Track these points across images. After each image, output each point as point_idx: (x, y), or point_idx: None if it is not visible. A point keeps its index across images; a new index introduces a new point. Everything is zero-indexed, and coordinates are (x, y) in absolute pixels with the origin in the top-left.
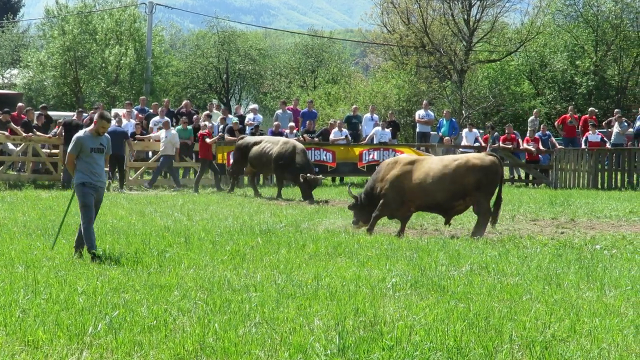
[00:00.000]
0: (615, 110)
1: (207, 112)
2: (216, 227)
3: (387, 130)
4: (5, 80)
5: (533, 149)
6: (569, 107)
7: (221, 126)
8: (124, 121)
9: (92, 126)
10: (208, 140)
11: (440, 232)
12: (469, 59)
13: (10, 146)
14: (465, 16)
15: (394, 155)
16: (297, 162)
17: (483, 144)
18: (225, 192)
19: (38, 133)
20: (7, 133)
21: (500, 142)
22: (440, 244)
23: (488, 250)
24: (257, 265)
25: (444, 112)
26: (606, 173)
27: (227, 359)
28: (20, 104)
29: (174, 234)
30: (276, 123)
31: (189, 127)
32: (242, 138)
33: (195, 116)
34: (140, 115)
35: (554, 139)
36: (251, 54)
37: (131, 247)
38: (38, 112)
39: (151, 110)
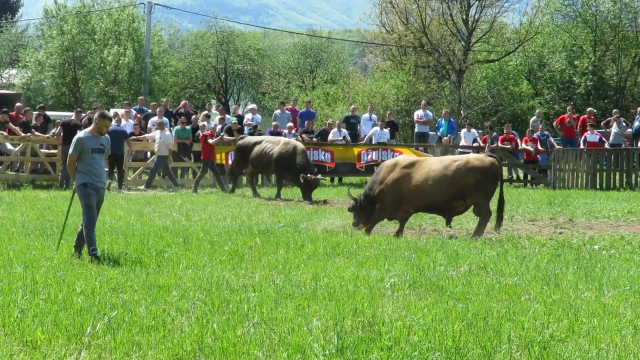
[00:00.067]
0: (614, 110)
1: (206, 112)
2: (215, 227)
3: (386, 131)
4: (4, 80)
5: (531, 149)
6: (568, 107)
7: (219, 126)
8: (122, 121)
9: (92, 126)
10: (210, 141)
11: (439, 233)
12: (467, 59)
13: (9, 146)
14: (464, 16)
15: (393, 155)
16: (298, 163)
17: (482, 144)
18: (226, 193)
19: (36, 133)
20: (5, 133)
21: (499, 142)
22: (439, 244)
23: (486, 251)
24: (256, 265)
25: (443, 112)
26: (604, 173)
27: (226, 359)
28: (18, 104)
29: (172, 234)
30: (275, 123)
31: (188, 127)
32: (242, 138)
33: (193, 116)
34: (138, 115)
35: (552, 139)
36: (250, 54)
37: (129, 247)
38: (36, 112)
39: (150, 110)
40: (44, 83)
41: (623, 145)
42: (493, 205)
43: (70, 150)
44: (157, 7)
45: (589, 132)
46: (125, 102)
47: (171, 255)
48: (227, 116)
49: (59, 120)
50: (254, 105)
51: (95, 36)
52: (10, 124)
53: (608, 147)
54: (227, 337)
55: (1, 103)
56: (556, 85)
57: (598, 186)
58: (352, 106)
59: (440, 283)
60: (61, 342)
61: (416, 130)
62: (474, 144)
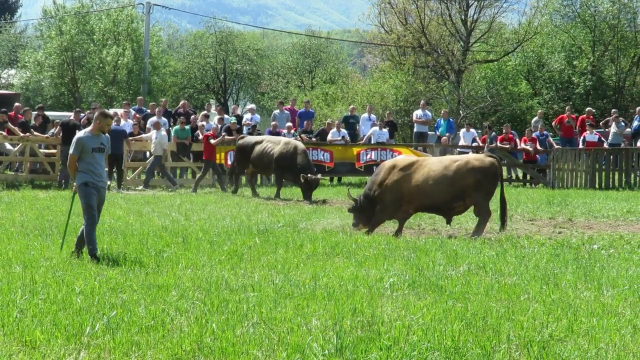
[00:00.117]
0: (613, 110)
1: (205, 112)
2: (214, 227)
3: (385, 130)
4: (3, 81)
5: (531, 149)
6: (567, 107)
7: (218, 126)
8: (122, 121)
9: (92, 126)
10: (212, 141)
11: (438, 232)
12: (466, 59)
13: (8, 146)
14: (463, 16)
15: (392, 155)
16: (299, 163)
17: (481, 144)
18: (226, 193)
19: (35, 133)
20: (4, 133)
21: (498, 142)
22: (438, 243)
23: (486, 250)
24: (255, 265)
25: (442, 112)
26: (604, 173)
27: (225, 359)
28: (17, 104)
29: (171, 234)
30: (273, 123)
31: (187, 127)
32: (242, 138)
33: (192, 116)
34: (137, 116)
35: (551, 139)
36: (249, 54)
37: (129, 247)
38: (35, 112)
39: (149, 111)
40: (42, 83)
41: (622, 145)
42: (494, 205)
43: (71, 150)
44: (156, 7)
45: (588, 132)
46: (124, 102)
47: (170, 255)
48: (226, 116)
49: (57, 121)
50: (252, 106)
51: (94, 36)
52: (9, 124)
53: (607, 146)
54: (226, 337)
55: (0, 103)
56: (555, 85)
57: (597, 186)
58: (351, 106)
59: (439, 283)
60: (60, 342)
61: (415, 130)
62: (473, 144)
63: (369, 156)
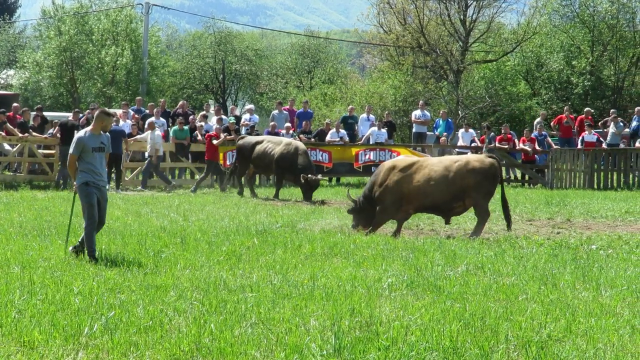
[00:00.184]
0: (611, 110)
1: (204, 112)
2: (212, 227)
3: (384, 131)
4: (2, 81)
5: (529, 149)
6: (565, 107)
7: (217, 126)
8: (120, 122)
9: (92, 125)
10: (215, 141)
11: (436, 233)
12: (465, 59)
13: (6, 147)
14: (462, 16)
15: (390, 156)
16: (300, 163)
17: (479, 144)
18: (226, 193)
19: (34, 133)
20: (3, 133)
21: (497, 142)
22: (436, 244)
23: (484, 251)
24: (253, 265)
25: (440, 112)
26: (602, 173)
27: (223, 359)
28: (16, 105)
29: (170, 235)
30: (272, 123)
31: (185, 127)
32: (242, 138)
33: (191, 117)
34: (136, 116)
35: (550, 139)
36: (247, 55)
37: (127, 247)
38: (34, 113)
39: (147, 111)
40: (41, 83)
41: (620, 145)
42: (492, 206)
43: (71, 150)
44: (155, 7)
45: (586, 132)
46: (123, 102)
47: (169, 255)
48: (224, 117)
49: (56, 121)
50: (251, 106)
51: (93, 37)
52: (8, 124)
53: (605, 147)
54: (225, 337)
55: None
56: (554, 86)
57: (595, 186)
58: (350, 106)
59: (437, 283)
60: (58, 343)
61: (414, 130)
62: (472, 144)
63: (367, 156)
